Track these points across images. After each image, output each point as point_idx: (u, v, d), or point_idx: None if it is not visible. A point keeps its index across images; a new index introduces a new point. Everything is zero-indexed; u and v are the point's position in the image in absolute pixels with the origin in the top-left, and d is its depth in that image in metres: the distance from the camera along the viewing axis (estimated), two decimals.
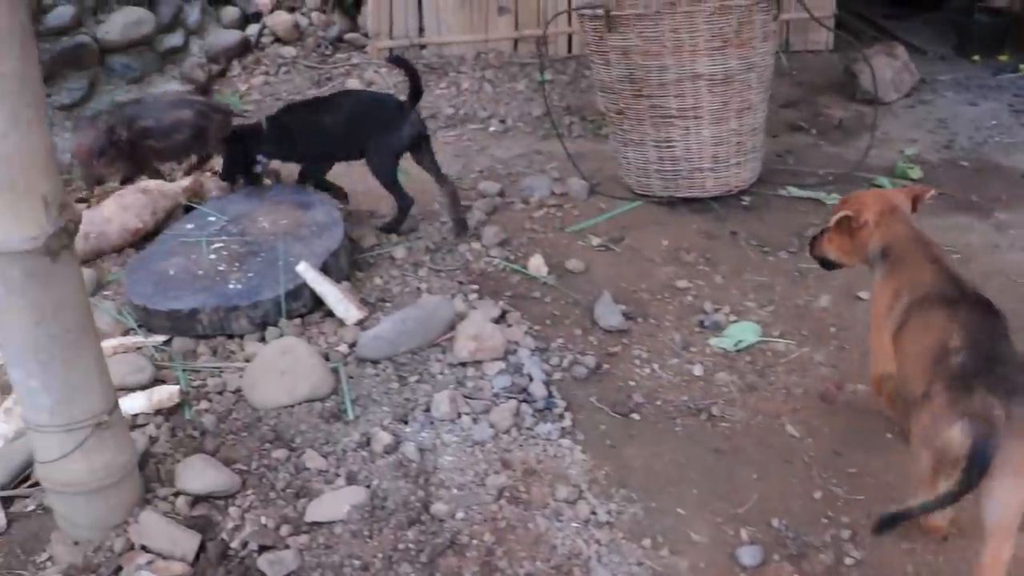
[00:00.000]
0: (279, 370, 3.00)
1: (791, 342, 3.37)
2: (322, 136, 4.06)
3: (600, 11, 4.15)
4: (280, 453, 2.82)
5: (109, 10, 5.71)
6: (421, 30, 6.53)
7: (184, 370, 3.28)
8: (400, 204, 4.09)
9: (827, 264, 2.93)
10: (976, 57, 6.76)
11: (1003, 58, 6.72)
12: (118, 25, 5.66)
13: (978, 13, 7.02)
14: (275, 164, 4.43)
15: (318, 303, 3.53)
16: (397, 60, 4.26)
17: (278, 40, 6.84)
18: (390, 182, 4.07)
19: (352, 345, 3.30)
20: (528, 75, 6.14)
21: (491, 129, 5.40)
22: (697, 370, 3.22)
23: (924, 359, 2.29)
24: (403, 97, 4.02)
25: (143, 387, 3.16)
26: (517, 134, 5.33)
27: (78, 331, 2.38)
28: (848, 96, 5.91)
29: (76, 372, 2.40)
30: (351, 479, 2.69)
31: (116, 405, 2.56)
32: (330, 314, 3.50)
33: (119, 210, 4.03)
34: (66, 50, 5.30)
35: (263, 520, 2.59)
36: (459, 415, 2.90)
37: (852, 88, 5.91)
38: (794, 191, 4.53)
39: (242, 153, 4.22)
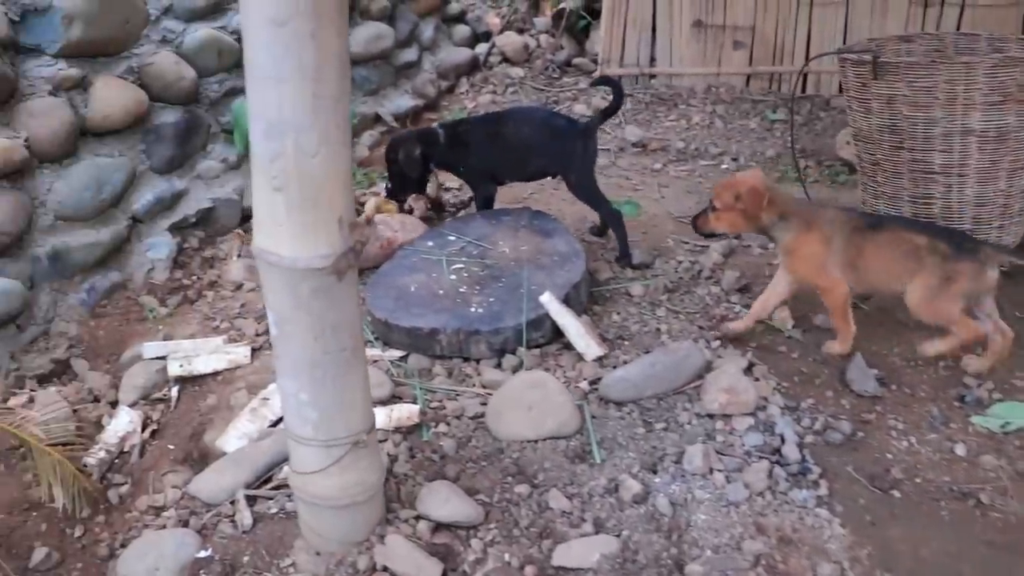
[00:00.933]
0: (527, 404, 2.96)
1: None
2: (498, 151, 4.06)
3: (867, 56, 3.93)
4: (522, 488, 2.77)
5: (353, 24, 5.89)
6: (652, 59, 6.44)
7: (421, 389, 3.29)
8: (613, 220, 4.07)
9: (712, 236, 3.70)
10: None
11: None
12: (361, 39, 5.84)
13: None
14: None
15: (556, 335, 3.48)
16: (606, 80, 4.23)
17: (506, 60, 6.92)
18: (597, 199, 4.05)
19: (592, 383, 3.22)
20: (760, 112, 5.95)
21: (723, 166, 5.24)
22: (960, 449, 2.97)
23: (904, 259, 3.30)
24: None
25: (382, 403, 3.19)
26: None
27: (351, 350, 2.39)
28: None
29: (345, 390, 2.42)
30: (599, 526, 2.61)
31: (374, 425, 2.57)
32: (568, 347, 3.44)
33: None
34: None
35: (506, 557, 2.54)
36: (711, 471, 2.77)
37: None
38: None
39: (419, 160, 4.27)
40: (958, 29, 5.89)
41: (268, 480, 2.99)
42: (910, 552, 2.55)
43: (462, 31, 6.94)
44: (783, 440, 2.91)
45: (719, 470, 2.77)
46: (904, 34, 4.66)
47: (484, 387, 3.30)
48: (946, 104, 3.81)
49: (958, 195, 3.94)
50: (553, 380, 3.05)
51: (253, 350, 3.61)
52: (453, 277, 3.69)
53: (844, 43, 5.88)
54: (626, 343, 3.50)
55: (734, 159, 5.32)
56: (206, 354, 3.55)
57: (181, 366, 3.50)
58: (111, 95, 4.14)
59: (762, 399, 3.10)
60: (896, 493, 2.78)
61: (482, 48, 6.92)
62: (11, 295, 3.65)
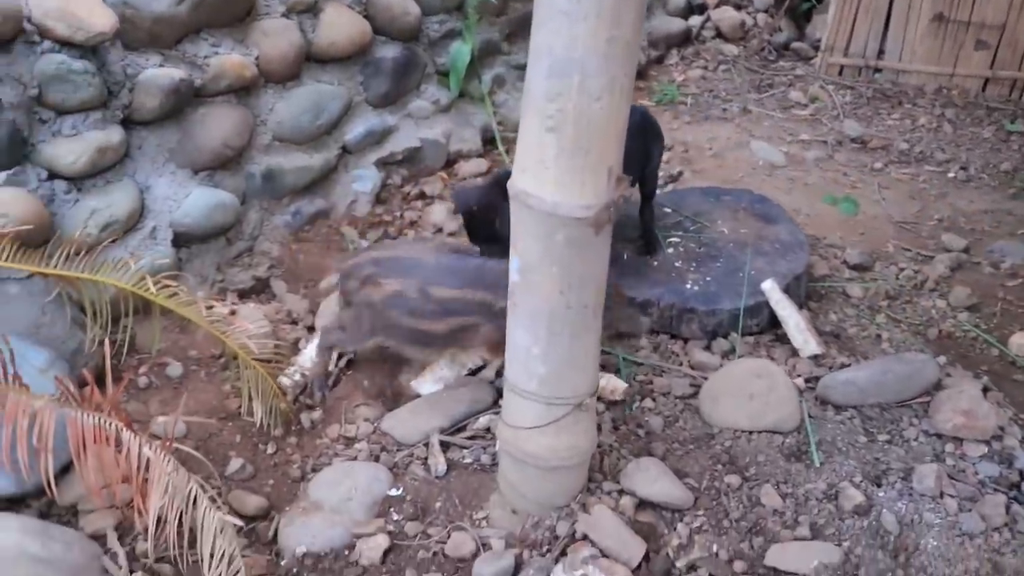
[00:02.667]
0: (748, 392, 2.81)
1: None
2: None
3: None
4: (733, 479, 2.64)
5: None
6: (880, 52, 6.09)
7: (625, 360, 3.18)
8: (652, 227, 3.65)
9: None
10: None
11: None
12: None
13: None
14: None
15: (771, 325, 3.31)
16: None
17: (720, 36, 6.67)
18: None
19: (807, 380, 3.04)
20: (996, 121, 5.53)
21: (950, 175, 4.90)
22: None
23: None
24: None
25: None
26: (981, 186, 4.80)
27: (592, 308, 2.30)
28: None
29: (577, 349, 2.32)
30: (816, 532, 2.46)
31: (597, 390, 2.47)
32: (782, 339, 3.27)
33: None
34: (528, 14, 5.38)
35: (714, 548, 2.42)
36: (942, 494, 2.57)
37: None
38: None
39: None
40: None
41: (462, 429, 2.95)
42: None
43: (677, 1, 6.72)
44: (1022, 476, 2.67)
45: (951, 495, 2.57)
46: None
47: (692, 368, 3.16)
48: None
49: None
50: (781, 372, 2.89)
51: None
52: (670, 251, 3.55)
53: None
54: (843, 345, 3.30)
55: (963, 168, 4.95)
56: None
57: None
58: (339, 22, 4.16)
59: (999, 428, 2.86)
60: None
61: (696, 20, 6.68)
62: (227, 208, 3.72)
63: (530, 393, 2.38)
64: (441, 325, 2.86)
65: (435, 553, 2.50)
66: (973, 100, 5.80)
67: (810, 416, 2.87)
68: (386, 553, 2.50)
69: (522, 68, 5.33)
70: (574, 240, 2.17)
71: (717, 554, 2.40)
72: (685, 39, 6.58)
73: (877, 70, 6.10)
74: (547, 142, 2.09)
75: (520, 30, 5.27)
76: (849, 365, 3.12)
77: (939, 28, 5.90)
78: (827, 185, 4.71)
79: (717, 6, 6.84)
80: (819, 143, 5.19)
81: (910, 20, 5.95)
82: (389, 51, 4.49)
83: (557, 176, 2.11)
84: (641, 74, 6.13)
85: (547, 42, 2.04)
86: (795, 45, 6.50)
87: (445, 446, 2.87)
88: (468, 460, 2.82)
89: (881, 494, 2.58)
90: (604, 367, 3.14)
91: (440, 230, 4.16)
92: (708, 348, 3.25)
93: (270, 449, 2.97)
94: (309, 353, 3.29)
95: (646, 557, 2.40)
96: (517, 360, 2.39)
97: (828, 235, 4.13)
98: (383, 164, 4.51)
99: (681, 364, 3.19)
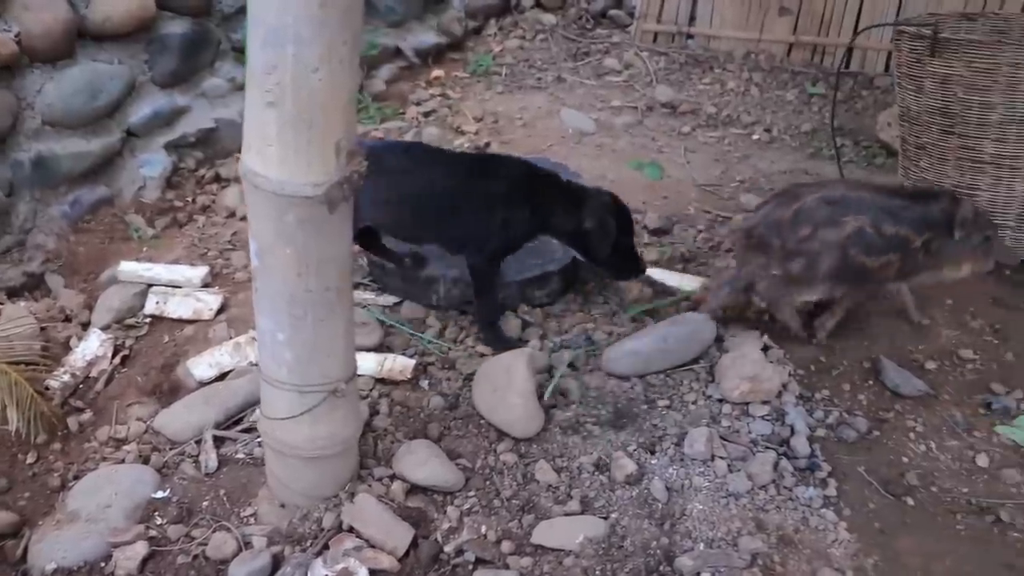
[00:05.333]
0: (493, 386, 2.71)
1: None
2: None
3: (926, 31, 3.66)
4: (510, 457, 2.58)
5: None
6: (692, 19, 6.14)
7: (411, 334, 3.09)
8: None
9: None
10: None
11: None
12: None
13: None
14: None
15: (563, 293, 3.28)
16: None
17: (539, 5, 6.62)
18: None
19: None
20: (799, 84, 5.66)
21: (755, 137, 4.98)
22: (981, 460, 2.76)
23: None
24: None
25: (371, 350, 2.99)
26: (783, 147, 4.89)
27: (337, 291, 2.19)
28: None
29: (324, 333, 2.21)
30: (586, 505, 2.42)
31: (355, 374, 2.37)
32: (572, 310, 3.23)
33: None
34: None
35: (483, 529, 2.36)
36: (713, 457, 2.56)
37: None
38: None
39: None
40: None
41: (239, 421, 2.81)
42: (921, 566, 2.35)
43: None
44: (793, 431, 2.70)
45: (722, 457, 2.56)
46: (967, 12, 4.35)
47: (481, 342, 3.09)
48: (1007, 89, 3.54)
49: (1007, 190, 3.70)
50: (523, 367, 2.69)
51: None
52: None
53: (897, 19, 5.56)
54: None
55: (767, 130, 5.04)
56: (180, 295, 3.32)
57: (157, 303, 3.29)
58: None
59: (781, 386, 2.88)
60: (909, 500, 2.58)
61: None
62: None
63: (281, 382, 2.26)
64: (877, 261, 3.00)
65: (195, 556, 2.35)
66: (779, 64, 5.91)
67: (589, 389, 2.84)
68: (145, 561, 2.34)
69: None
70: (307, 220, 2.05)
71: (486, 535, 2.34)
72: (504, 9, 6.51)
73: (690, 36, 6.16)
74: (268, 118, 1.97)
75: None
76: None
77: None
78: (635, 151, 4.71)
79: None
80: (630, 109, 5.21)
81: None
82: (177, 27, 4.26)
83: (281, 153, 1.99)
84: (458, 45, 6.05)
85: (259, 9, 1.91)
86: (612, 13, 6.51)
87: (220, 441, 2.73)
88: (241, 455, 2.69)
89: (654, 461, 2.56)
90: (391, 348, 3.06)
91: (233, 214, 3.98)
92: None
93: (30, 458, 2.77)
94: (82, 351, 3.10)
95: (415, 543, 2.32)
96: (265, 348, 2.27)
97: (631, 200, 4.08)
98: (174, 147, 4.29)
99: (468, 339, 3.12)
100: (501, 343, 3.02)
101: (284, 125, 1.96)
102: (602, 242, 3.03)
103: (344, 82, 1.99)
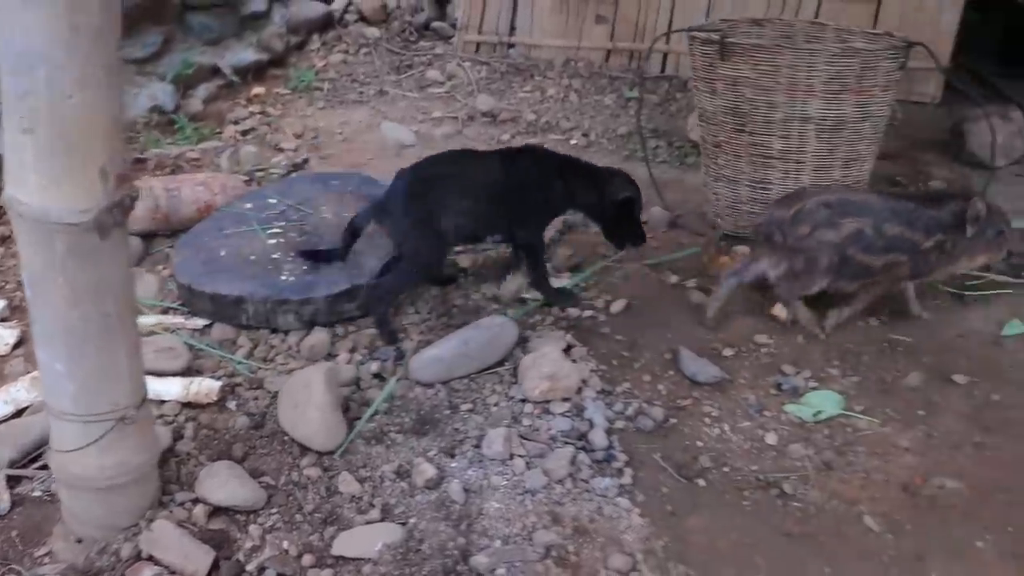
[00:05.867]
0: (294, 402, 2.72)
1: (875, 420, 3.06)
2: None
3: (715, 36, 3.87)
4: (313, 471, 2.60)
5: None
6: (512, 28, 6.28)
7: (222, 360, 3.08)
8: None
9: None
10: None
11: None
12: None
13: None
14: None
15: None
16: None
17: (363, 19, 6.65)
18: None
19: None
20: (617, 89, 5.86)
21: (572, 141, 5.13)
22: (770, 438, 2.93)
23: None
24: None
25: (177, 374, 2.96)
26: (600, 150, 5.05)
27: (116, 317, 2.16)
28: (952, 156, 5.55)
29: (107, 360, 2.19)
30: (386, 513, 2.46)
31: (144, 399, 2.34)
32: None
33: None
34: (146, 1, 5.11)
35: (285, 545, 2.37)
36: (511, 456, 2.64)
37: (957, 148, 5.55)
38: None
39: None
40: (816, 17, 5.91)
41: (37, 459, 2.73)
42: (706, 543, 2.48)
43: None
44: (592, 425, 2.81)
45: (520, 456, 2.65)
46: (757, 17, 4.62)
47: (294, 360, 3.10)
48: (788, 90, 3.78)
49: (795, 182, 3.93)
50: (320, 383, 2.70)
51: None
52: (272, 242, 3.47)
53: (703, 24, 5.83)
54: (444, 319, 3.35)
55: (584, 135, 5.21)
56: None
57: None
58: None
59: (582, 382, 3.00)
60: (701, 482, 2.71)
61: (338, 4, 6.63)
62: None
63: (65, 413, 2.22)
64: (880, 260, 3.34)
65: None
66: (598, 71, 6.11)
67: (395, 397, 2.89)
68: None
69: (137, 63, 5.08)
70: (77, 248, 2.03)
71: (287, 551, 2.35)
72: (327, 24, 6.52)
73: (511, 46, 6.30)
74: (25, 143, 1.94)
75: (139, 21, 5.01)
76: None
77: (563, 4, 6.18)
78: None
79: None
80: (451, 120, 5.30)
81: None
82: None
83: (40, 180, 1.96)
84: (280, 62, 6.02)
85: (8, 32, 1.88)
86: (436, 25, 6.60)
87: (15, 480, 2.64)
88: (38, 492, 2.61)
89: (454, 465, 2.62)
90: (200, 371, 3.04)
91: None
92: (302, 340, 3.19)
93: None
94: None
95: (216, 565, 2.31)
96: (47, 379, 2.23)
97: None
98: None
99: (277, 358, 3.12)
100: (560, 297, 3.55)
101: (41, 151, 1.94)
102: (628, 212, 3.54)
103: (104, 106, 1.97)
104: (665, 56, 6.11)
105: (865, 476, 2.80)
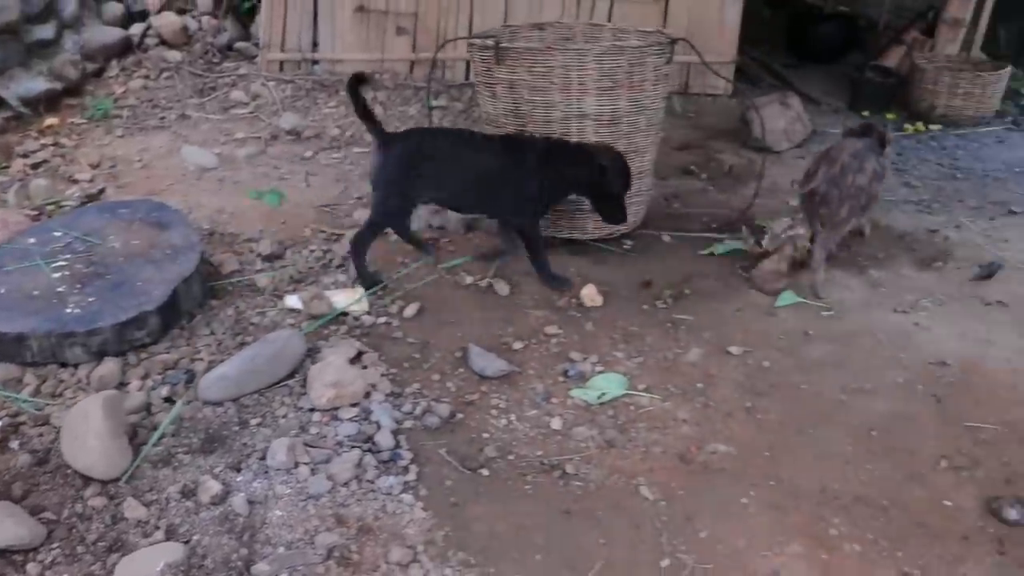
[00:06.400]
0: (74, 434, 2.70)
1: (656, 396, 3.26)
2: None
3: (490, 41, 4.02)
4: (98, 501, 2.60)
5: None
6: (315, 44, 6.32)
7: (6, 399, 3.03)
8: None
9: None
10: (866, 113, 6.84)
11: (890, 116, 6.83)
12: None
13: (869, 71, 7.14)
14: None
15: (164, 332, 3.31)
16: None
17: (164, 43, 6.54)
18: None
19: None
20: (422, 99, 5.97)
21: None
22: (556, 423, 3.09)
23: None
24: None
25: None
26: None
27: None
28: (741, 143, 5.91)
29: None
30: (171, 533, 2.49)
31: None
32: (187, 342, 3.30)
33: None
34: None
35: None
36: (296, 464, 2.71)
37: (745, 135, 5.92)
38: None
39: None
40: (609, 20, 6.17)
41: None
42: (486, 529, 2.60)
43: (114, 9, 6.48)
44: (379, 428, 2.90)
45: (305, 463, 2.72)
46: (537, 22, 4.80)
47: (83, 393, 3.08)
48: (563, 89, 3.97)
49: None
50: (99, 416, 2.67)
51: None
52: (56, 276, 3.42)
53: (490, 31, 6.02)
54: (240, 337, 3.39)
55: None
56: None
57: None
58: None
59: (370, 386, 3.09)
60: (485, 472, 2.84)
61: (137, 28, 6.50)
62: None
63: None
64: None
65: None
66: (403, 82, 6.21)
67: (182, 418, 2.91)
68: None
69: None
70: None
71: None
72: (126, 48, 6.39)
73: (315, 62, 6.33)
74: None
75: None
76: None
77: (363, 18, 6.26)
78: (256, 180, 4.82)
79: (159, 12, 6.70)
80: (254, 140, 5.30)
81: (335, 12, 6.25)
82: None
83: None
84: (76, 90, 5.88)
85: None
86: (239, 45, 6.57)
87: None
88: None
89: (239, 479, 2.67)
90: None
91: None
92: (91, 372, 3.16)
93: None
94: None
95: None
96: None
97: (248, 230, 4.22)
98: None
99: (66, 392, 3.09)
100: (558, 282, 3.93)
101: None
102: (616, 179, 3.86)
103: None
104: (468, 63, 6.26)
105: (645, 450, 2.99)
